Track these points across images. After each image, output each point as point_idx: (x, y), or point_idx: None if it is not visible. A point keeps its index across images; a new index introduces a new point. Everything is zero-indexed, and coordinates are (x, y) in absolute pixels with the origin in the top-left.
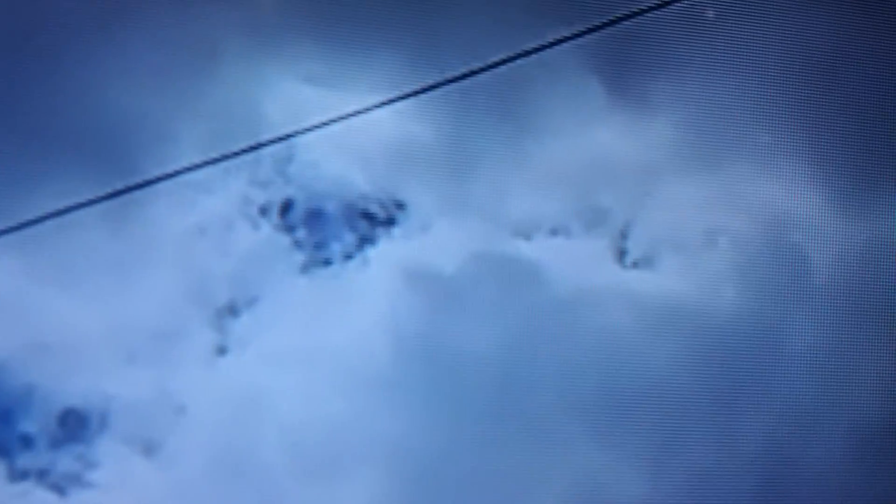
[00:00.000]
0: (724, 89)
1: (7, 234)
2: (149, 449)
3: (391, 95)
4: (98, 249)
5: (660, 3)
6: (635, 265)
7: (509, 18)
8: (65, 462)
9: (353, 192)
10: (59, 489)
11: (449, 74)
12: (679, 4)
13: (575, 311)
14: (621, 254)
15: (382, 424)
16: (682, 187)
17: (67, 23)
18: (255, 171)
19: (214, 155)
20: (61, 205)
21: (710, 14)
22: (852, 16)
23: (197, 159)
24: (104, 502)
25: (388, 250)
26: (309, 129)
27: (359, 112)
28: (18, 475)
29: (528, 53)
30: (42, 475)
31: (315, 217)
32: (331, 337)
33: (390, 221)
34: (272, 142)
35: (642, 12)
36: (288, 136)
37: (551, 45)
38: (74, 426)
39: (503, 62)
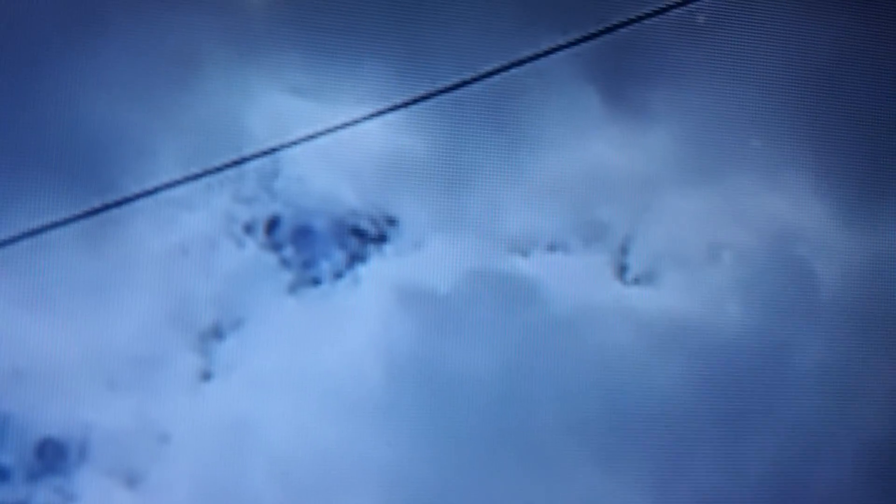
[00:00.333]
0: (724, 98)
1: None
2: (131, 480)
3: (381, 107)
4: (75, 270)
5: (658, 9)
6: (636, 281)
7: (503, 26)
8: (43, 495)
9: (343, 208)
10: None
11: (441, 84)
12: (678, 11)
13: (575, 330)
14: (622, 270)
15: (375, 451)
16: (684, 200)
17: (41, 33)
18: (239, 187)
19: (196, 170)
20: (35, 224)
21: (701, 20)
22: (855, 24)
23: (178, 175)
24: None
25: (380, 268)
26: (295, 143)
27: (347, 124)
28: None
29: (522, 62)
30: None
31: (302, 234)
32: (320, 360)
33: (381, 238)
34: (257, 156)
35: (640, 19)
36: (273, 150)
37: (546, 53)
38: (52, 457)
39: (497, 71)
